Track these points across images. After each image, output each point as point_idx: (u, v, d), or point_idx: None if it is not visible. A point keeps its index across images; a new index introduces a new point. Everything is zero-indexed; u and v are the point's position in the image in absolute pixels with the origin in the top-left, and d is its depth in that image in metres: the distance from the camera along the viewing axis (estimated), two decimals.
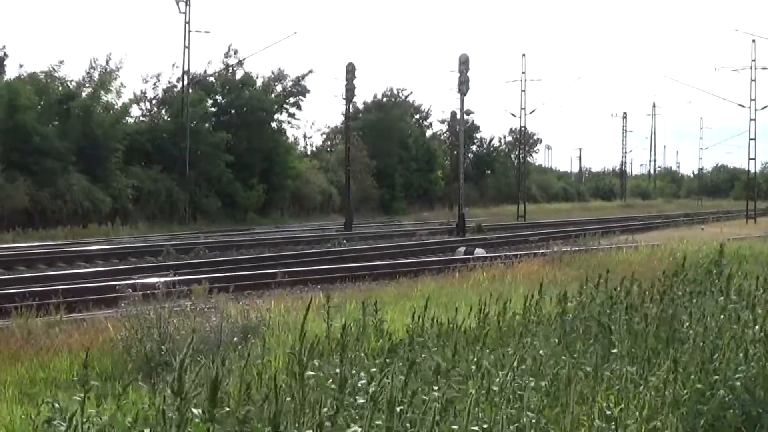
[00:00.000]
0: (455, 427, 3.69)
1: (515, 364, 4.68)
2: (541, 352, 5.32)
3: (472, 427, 3.74)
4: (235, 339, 7.46)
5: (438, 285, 13.94)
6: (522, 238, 29.86)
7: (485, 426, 3.81)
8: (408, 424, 3.57)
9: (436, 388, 3.98)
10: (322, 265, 19.83)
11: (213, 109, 45.21)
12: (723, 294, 7.13)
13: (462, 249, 24.22)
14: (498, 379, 4.29)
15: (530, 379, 4.58)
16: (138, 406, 4.22)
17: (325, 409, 3.34)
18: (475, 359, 5.07)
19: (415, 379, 4.22)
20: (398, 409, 3.46)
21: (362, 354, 4.87)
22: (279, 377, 3.97)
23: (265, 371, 4.23)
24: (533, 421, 3.99)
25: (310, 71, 48.76)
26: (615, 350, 5.22)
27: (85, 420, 3.22)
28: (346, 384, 3.40)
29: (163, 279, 8.98)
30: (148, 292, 8.45)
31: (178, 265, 19.26)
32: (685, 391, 4.60)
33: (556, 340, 5.72)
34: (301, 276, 16.93)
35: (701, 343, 5.31)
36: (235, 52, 45.22)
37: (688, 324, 5.90)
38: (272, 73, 48.31)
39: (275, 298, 11.72)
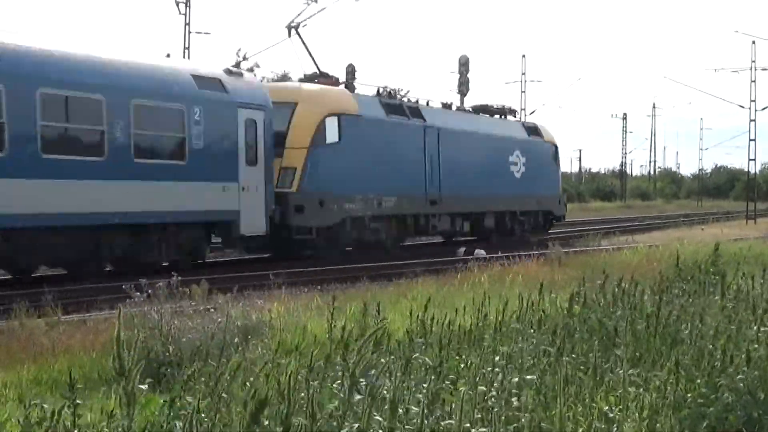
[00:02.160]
0: (451, 421, 3.70)
1: (506, 362, 4.70)
2: (539, 347, 5.33)
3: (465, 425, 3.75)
4: (236, 340, 7.46)
5: (438, 285, 13.94)
6: (522, 239, 29.82)
7: (478, 425, 3.83)
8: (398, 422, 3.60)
9: (424, 385, 3.99)
10: (322, 266, 19.82)
11: None
12: (723, 295, 7.15)
13: (462, 249, 24.22)
14: (489, 377, 4.30)
15: (525, 377, 4.60)
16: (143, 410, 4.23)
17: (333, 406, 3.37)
18: (465, 357, 5.09)
19: (410, 379, 4.23)
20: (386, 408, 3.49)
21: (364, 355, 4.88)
22: (283, 379, 3.98)
23: (269, 373, 4.24)
24: (525, 420, 4.00)
25: (315, 73, 48.66)
26: (619, 351, 5.23)
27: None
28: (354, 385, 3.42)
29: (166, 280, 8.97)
30: (150, 292, 8.46)
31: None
32: (688, 394, 4.61)
33: (557, 340, 5.73)
34: (300, 277, 16.93)
35: (706, 345, 5.31)
36: (245, 57, 45.40)
37: (691, 325, 5.90)
38: (276, 75, 48.31)
39: (274, 299, 11.73)
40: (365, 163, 22.00)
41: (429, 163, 24.41)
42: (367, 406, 3.34)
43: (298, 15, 24.96)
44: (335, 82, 23.79)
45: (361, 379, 3.62)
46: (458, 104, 28.86)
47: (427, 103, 26.07)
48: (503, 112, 30.30)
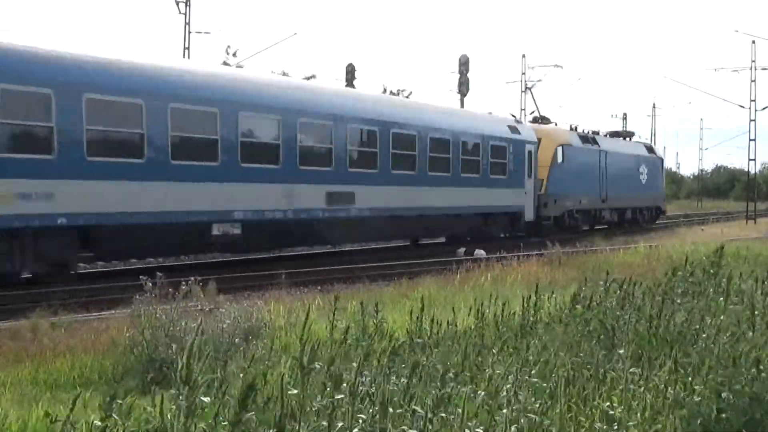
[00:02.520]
0: (454, 426, 3.69)
1: (519, 365, 4.68)
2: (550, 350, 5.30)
3: (477, 430, 3.75)
4: (237, 340, 7.47)
5: (437, 286, 13.95)
6: (522, 239, 29.86)
7: (485, 427, 3.83)
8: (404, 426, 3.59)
9: (442, 387, 3.98)
10: (322, 266, 19.84)
11: None
12: (724, 295, 7.15)
13: (462, 250, 24.24)
14: (500, 381, 4.29)
15: (534, 380, 4.59)
16: (139, 411, 4.21)
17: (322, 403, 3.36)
18: (480, 360, 5.07)
19: (418, 382, 4.23)
20: (391, 410, 3.49)
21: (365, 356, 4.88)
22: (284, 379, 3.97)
23: (269, 373, 4.24)
24: (534, 422, 4.00)
25: (313, 76, 49.10)
26: (621, 351, 5.22)
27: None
28: (341, 383, 3.43)
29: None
30: (153, 293, 8.45)
31: (178, 266, 19.27)
32: (686, 393, 4.61)
33: (558, 342, 5.73)
34: (300, 277, 16.94)
35: (709, 345, 5.31)
36: (234, 54, 46.06)
37: (696, 327, 5.91)
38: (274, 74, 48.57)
39: (275, 299, 11.73)
40: (573, 175, 33.88)
41: (600, 174, 36.47)
42: (348, 405, 3.35)
43: (529, 80, 43.16)
44: (549, 120, 37.23)
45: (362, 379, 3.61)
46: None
47: (592, 133, 38.30)
48: (628, 134, 43.89)
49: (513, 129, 30.36)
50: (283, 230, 20.46)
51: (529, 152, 30.75)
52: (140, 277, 8.76)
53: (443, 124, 26.23)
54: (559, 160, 33.13)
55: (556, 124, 36.75)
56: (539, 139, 32.14)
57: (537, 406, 4.18)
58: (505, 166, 29.22)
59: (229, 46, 48.41)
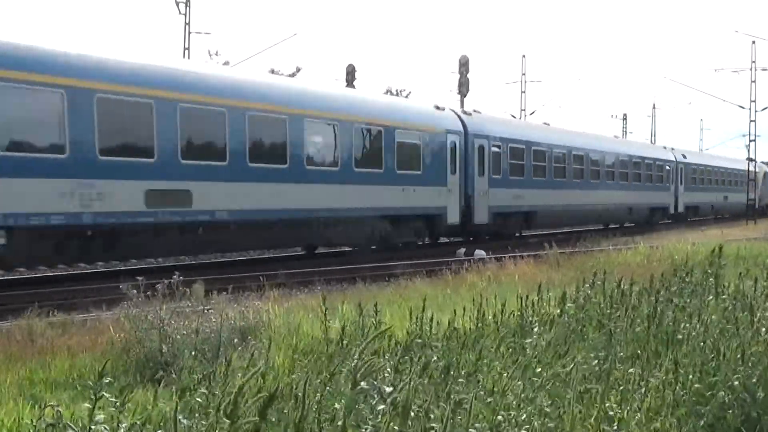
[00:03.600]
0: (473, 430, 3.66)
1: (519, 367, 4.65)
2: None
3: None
4: (235, 340, 7.46)
5: (437, 286, 13.93)
6: (522, 240, 29.85)
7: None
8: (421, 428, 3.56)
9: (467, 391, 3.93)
10: (320, 267, 19.83)
11: None
12: (721, 295, 7.14)
13: (462, 250, 24.23)
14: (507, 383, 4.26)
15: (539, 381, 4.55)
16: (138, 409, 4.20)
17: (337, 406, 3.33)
18: (485, 361, 5.05)
19: (425, 383, 4.20)
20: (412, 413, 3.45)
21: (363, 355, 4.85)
22: (284, 379, 3.96)
23: (268, 373, 4.24)
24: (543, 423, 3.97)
25: (298, 69, 49.74)
26: (621, 352, 5.20)
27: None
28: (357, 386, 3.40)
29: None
30: (149, 292, 8.44)
31: (176, 266, 19.25)
32: (684, 392, 4.59)
33: (557, 341, 5.71)
34: (298, 278, 16.93)
35: (701, 344, 5.30)
36: (216, 53, 47.92)
37: (689, 325, 5.89)
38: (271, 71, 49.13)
39: (272, 300, 11.70)
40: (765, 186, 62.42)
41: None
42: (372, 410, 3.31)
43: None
44: (753, 159, 59.50)
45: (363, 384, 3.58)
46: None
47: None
48: None
49: (749, 166, 56.91)
50: None
51: (757, 176, 56.51)
52: (131, 282, 8.75)
53: (734, 166, 58.19)
54: (761, 180, 59.56)
55: (754, 162, 61.54)
56: (757, 171, 57.43)
57: (545, 407, 4.16)
58: (744, 181, 54.70)
59: (208, 50, 51.25)
